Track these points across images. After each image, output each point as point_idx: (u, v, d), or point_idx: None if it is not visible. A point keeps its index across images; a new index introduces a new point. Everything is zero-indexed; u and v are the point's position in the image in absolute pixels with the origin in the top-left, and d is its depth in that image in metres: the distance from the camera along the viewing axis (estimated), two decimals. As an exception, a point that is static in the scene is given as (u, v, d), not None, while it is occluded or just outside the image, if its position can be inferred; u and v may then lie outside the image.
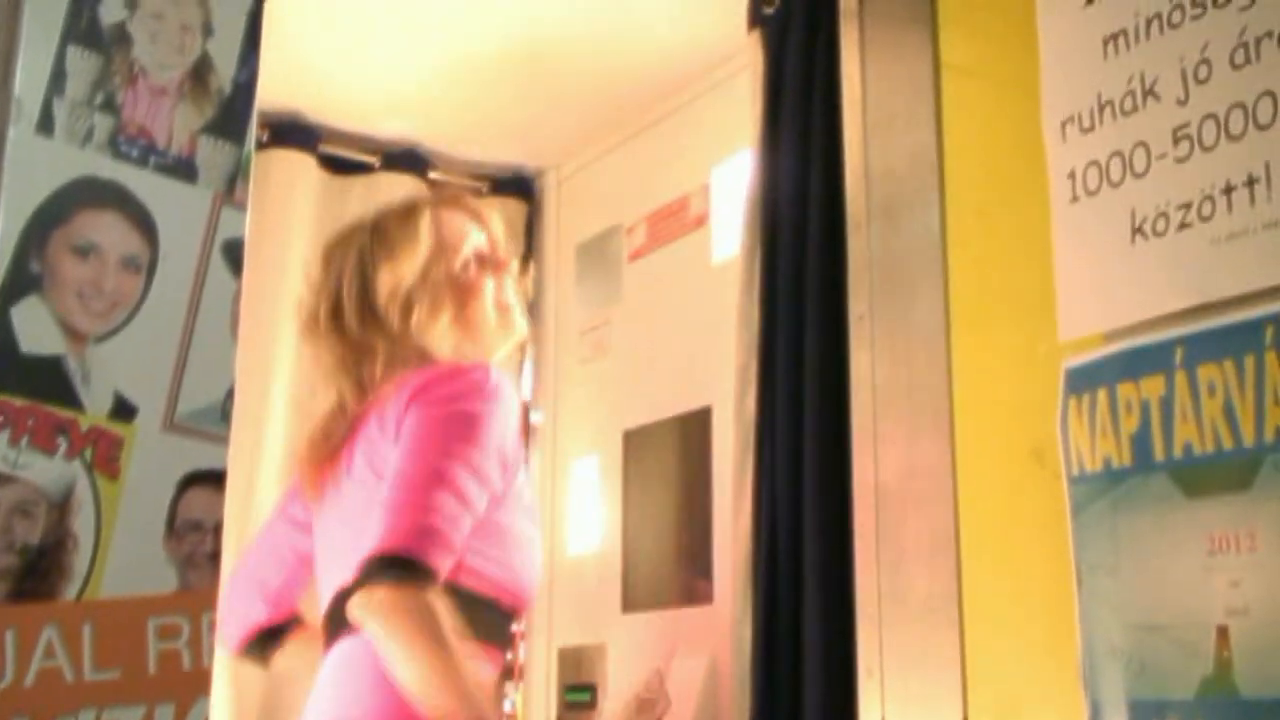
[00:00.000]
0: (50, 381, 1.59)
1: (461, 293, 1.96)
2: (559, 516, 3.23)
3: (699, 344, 2.82)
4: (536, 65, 2.95)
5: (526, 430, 3.36)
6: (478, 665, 1.79)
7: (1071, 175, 1.79)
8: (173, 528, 1.67)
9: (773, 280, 2.38)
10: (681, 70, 2.93)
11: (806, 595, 2.18)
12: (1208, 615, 1.51)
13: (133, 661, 1.60)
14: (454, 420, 1.81)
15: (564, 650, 3.09)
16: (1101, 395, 1.69)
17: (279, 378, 3.01)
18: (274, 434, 2.99)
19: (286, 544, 2.08)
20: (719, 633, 2.54)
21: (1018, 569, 1.82)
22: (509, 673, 3.20)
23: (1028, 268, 1.87)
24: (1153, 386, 1.62)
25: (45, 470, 1.58)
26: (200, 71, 1.74)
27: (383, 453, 1.85)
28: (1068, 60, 1.83)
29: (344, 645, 1.82)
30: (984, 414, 1.93)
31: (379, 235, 1.99)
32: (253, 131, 1.78)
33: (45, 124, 1.62)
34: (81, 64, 1.66)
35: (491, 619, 1.86)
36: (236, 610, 2.04)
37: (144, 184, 1.68)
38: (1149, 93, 1.70)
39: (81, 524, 1.59)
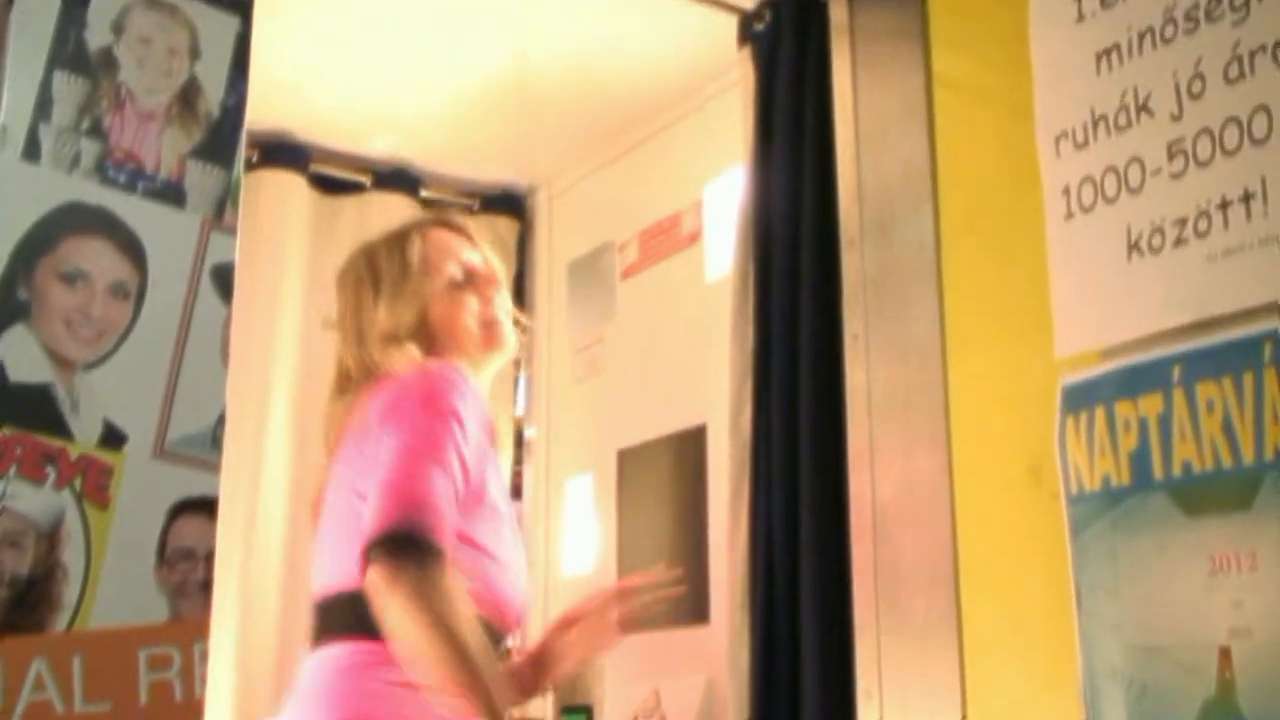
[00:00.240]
0: (38, 410, 1.58)
1: (443, 310, 1.95)
2: (553, 536, 3.22)
3: (693, 362, 2.80)
4: (527, 82, 2.94)
5: (519, 445, 3.35)
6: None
7: (1066, 191, 1.78)
8: (164, 556, 1.66)
9: (766, 297, 2.37)
10: (673, 87, 2.93)
11: (803, 615, 2.17)
12: (1209, 636, 1.50)
13: (124, 693, 1.58)
14: (429, 408, 1.78)
15: (560, 670, 3.07)
16: (1099, 413, 1.68)
17: (277, 401, 3.00)
18: (274, 459, 2.97)
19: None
20: (716, 653, 2.52)
21: (1017, 589, 1.81)
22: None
23: (1023, 284, 1.86)
24: (1151, 404, 1.61)
25: (34, 500, 1.56)
26: (188, 95, 1.73)
27: (359, 469, 1.83)
28: (1060, 75, 1.83)
29: (327, 653, 1.79)
30: (981, 432, 1.92)
31: (371, 268, 1.99)
32: (241, 155, 1.77)
33: (31, 150, 1.61)
34: (68, 89, 1.65)
35: None
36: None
37: (132, 209, 1.67)
38: (1143, 108, 1.69)
39: (71, 554, 1.58)
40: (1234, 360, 1.52)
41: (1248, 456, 1.49)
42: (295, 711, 1.75)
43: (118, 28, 1.69)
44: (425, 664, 1.62)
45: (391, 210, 3.06)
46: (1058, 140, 1.81)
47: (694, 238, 2.92)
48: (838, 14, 2.35)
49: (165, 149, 1.69)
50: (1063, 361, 1.75)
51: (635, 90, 2.96)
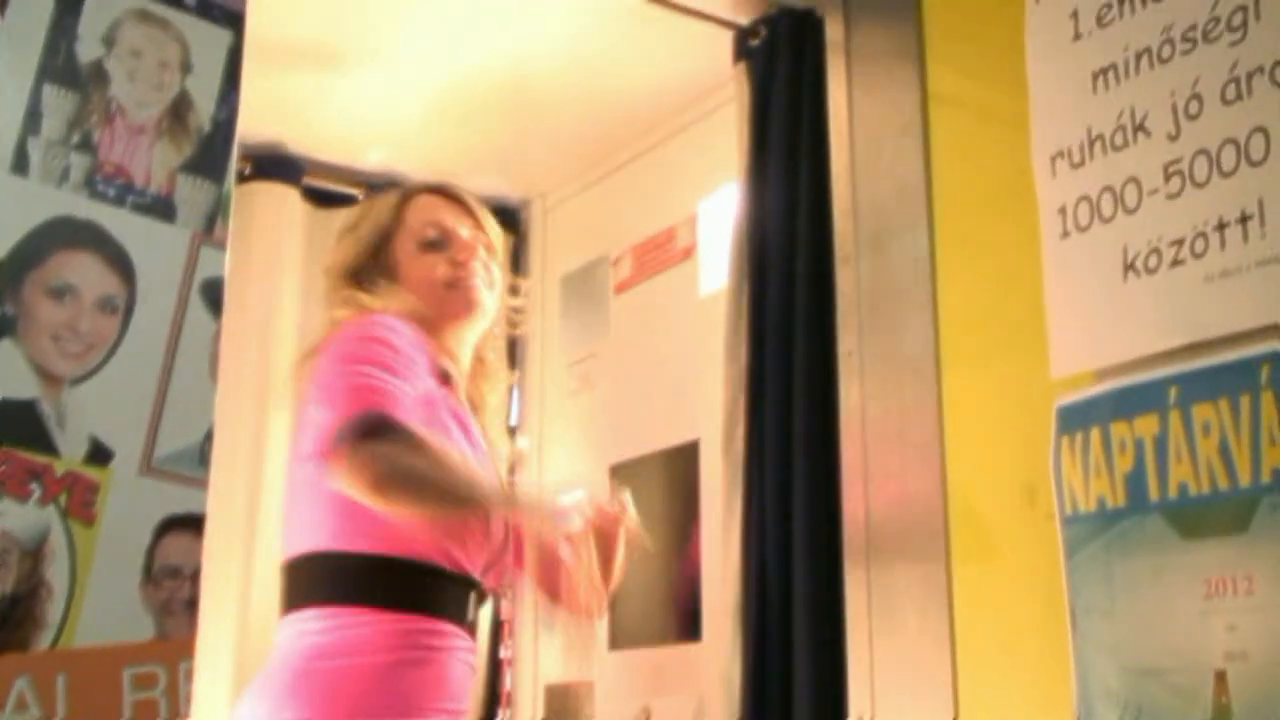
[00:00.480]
0: (24, 426, 1.56)
1: (408, 270, 1.94)
2: (545, 551, 3.20)
3: (687, 377, 2.79)
4: (521, 96, 2.93)
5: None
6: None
7: (1062, 210, 1.77)
8: (150, 574, 1.65)
9: (760, 313, 2.36)
10: (668, 102, 2.92)
11: (796, 634, 2.16)
12: (1205, 659, 1.49)
13: (108, 712, 1.57)
14: (353, 340, 1.76)
15: (551, 688, 3.06)
16: (1095, 434, 1.67)
17: (273, 416, 2.97)
18: (272, 475, 2.95)
19: None
20: (707, 671, 2.51)
21: (1011, 610, 1.80)
22: (497, 702, 3.18)
23: (1018, 303, 1.85)
24: (1147, 425, 1.60)
25: (18, 517, 1.55)
26: (179, 109, 1.72)
27: (305, 433, 1.81)
28: (1057, 94, 1.82)
29: (293, 629, 1.76)
30: (975, 451, 1.91)
31: (354, 221, 2.00)
32: (233, 169, 1.76)
33: (20, 164, 1.60)
34: (58, 103, 1.64)
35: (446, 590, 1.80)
36: None
37: (121, 223, 1.66)
38: (1140, 128, 1.68)
39: (55, 572, 1.57)
40: (1231, 382, 1.51)
41: (1244, 479, 1.48)
42: (264, 696, 1.72)
43: (109, 41, 1.67)
44: (437, 507, 1.64)
45: (384, 223, 3.04)
46: (1054, 159, 1.80)
47: (688, 253, 2.91)
48: (833, 30, 2.34)
49: (155, 163, 1.68)
50: (1058, 382, 1.74)
51: (630, 105, 2.95)
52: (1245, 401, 1.49)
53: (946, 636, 1.88)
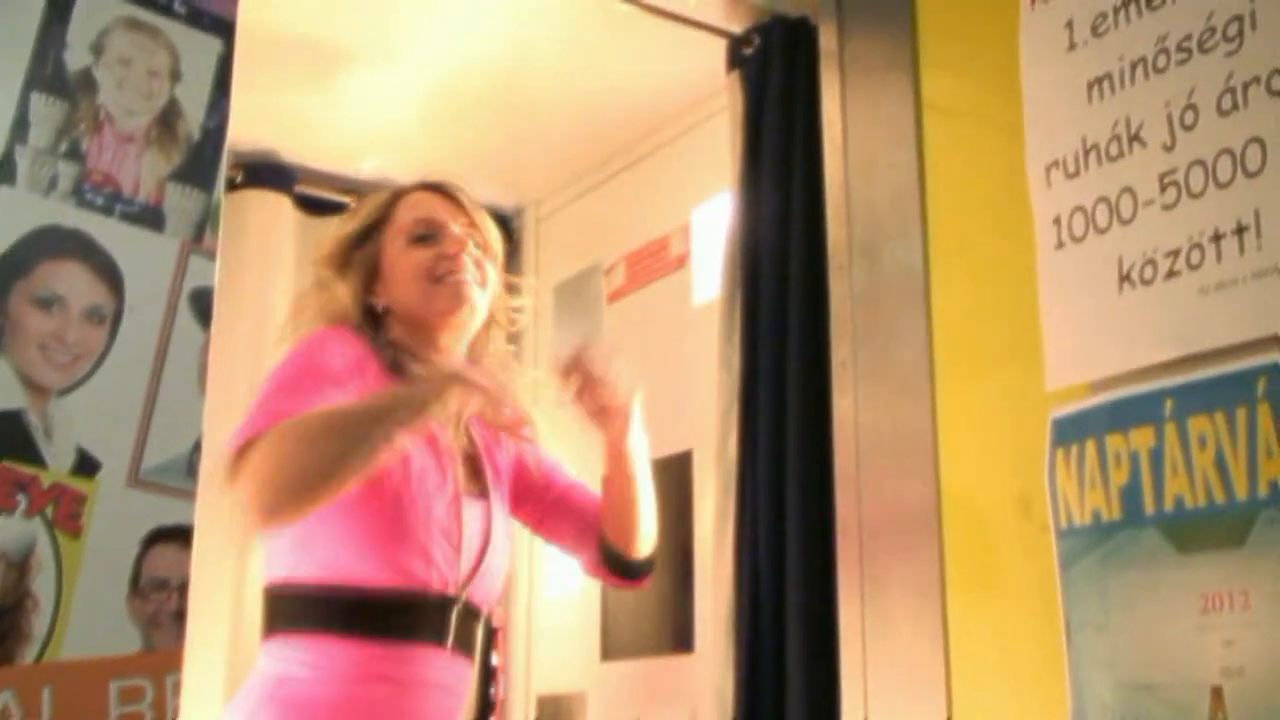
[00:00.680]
0: (10, 437, 1.55)
1: (390, 263, 1.90)
2: (536, 560, 3.19)
3: (680, 386, 2.78)
4: (514, 104, 2.92)
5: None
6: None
7: (1057, 221, 1.76)
8: (137, 586, 1.64)
9: (754, 323, 2.35)
10: (661, 110, 2.92)
11: (789, 645, 2.15)
12: (1201, 675, 1.47)
13: (94, 726, 1.55)
14: (277, 368, 1.72)
15: (543, 698, 3.05)
16: (1090, 446, 1.65)
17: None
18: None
19: None
20: (700, 682, 2.50)
21: (1005, 623, 1.79)
22: (489, 710, 3.16)
23: (1013, 313, 1.84)
24: (1142, 438, 1.59)
25: (4, 529, 1.54)
26: (168, 117, 1.71)
27: None
28: (1051, 104, 1.81)
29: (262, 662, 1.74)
30: (969, 461, 1.90)
31: (346, 219, 1.96)
32: (222, 178, 1.75)
33: (7, 173, 1.59)
34: (46, 111, 1.63)
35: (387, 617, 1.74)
36: None
37: (109, 233, 1.65)
38: (1135, 138, 1.68)
39: (41, 584, 1.55)
40: (1227, 394, 1.50)
41: (1241, 493, 1.46)
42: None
43: (97, 49, 1.66)
44: (353, 457, 1.53)
45: (377, 231, 3.03)
46: (1049, 169, 1.79)
47: (682, 261, 2.90)
48: (827, 39, 2.33)
49: (144, 172, 1.67)
50: (1053, 393, 1.73)
51: (624, 113, 2.95)
52: (1242, 414, 1.48)
53: (941, 649, 1.87)
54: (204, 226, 1.71)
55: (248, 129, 2.97)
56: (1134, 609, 1.56)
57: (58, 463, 1.59)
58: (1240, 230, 1.52)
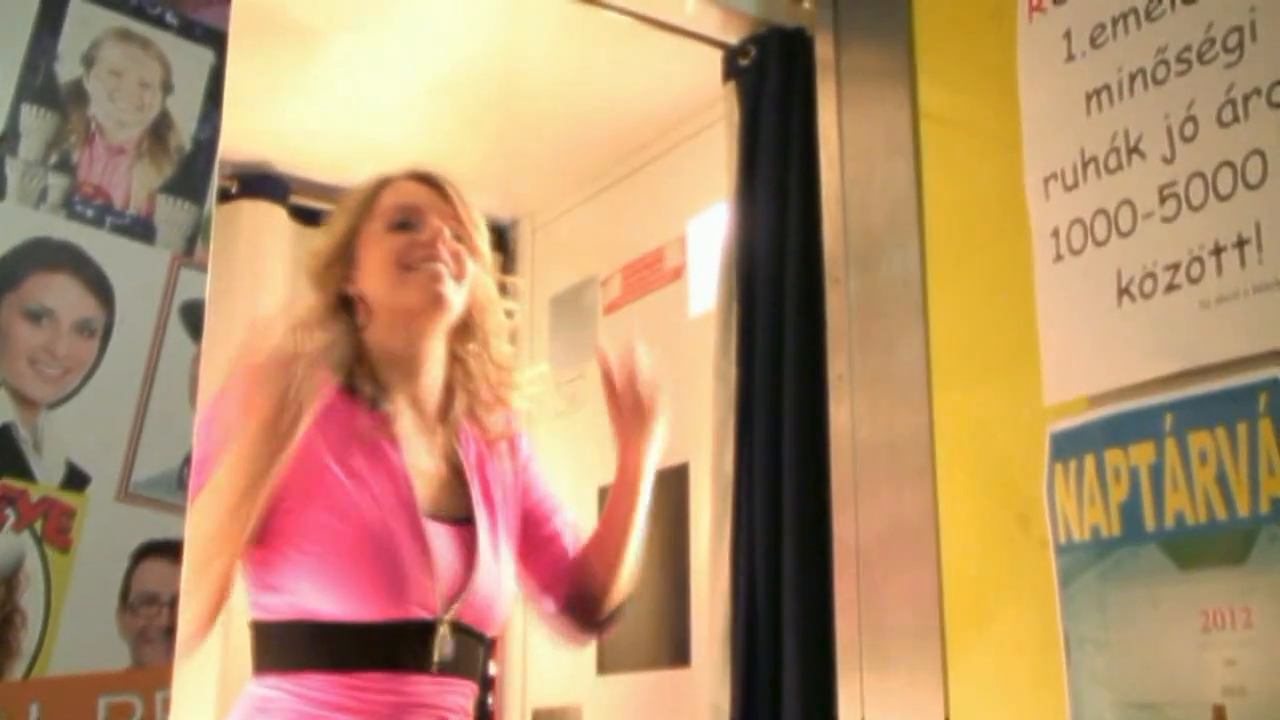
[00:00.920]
0: (-1, 451, 1.53)
1: (365, 251, 1.86)
2: (533, 573, 3.17)
3: (676, 399, 2.75)
4: (510, 115, 2.92)
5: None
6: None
7: (1055, 233, 1.75)
8: (126, 601, 1.62)
9: (750, 335, 2.34)
10: (657, 121, 2.91)
11: (786, 659, 2.13)
12: (1203, 694, 1.46)
13: (83, 744, 1.53)
14: None
15: (539, 711, 3.03)
16: (1089, 461, 1.64)
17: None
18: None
19: None
20: (696, 696, 2.48)
21: (1004, 639, 1.77)
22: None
23: (1011, 326, 1.83)
24: (1142, 453, 1.58)
25: (-8, 544, 1.52)
26: (160, 129, 1.70)
27: None
28: (1049, 116, 1.80)
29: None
30: (967, 476, 1.89)
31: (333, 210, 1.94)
32: (214, 190, 1.73)
33: (-4, 185, 1.57)
34: (36, 123, 1.62)
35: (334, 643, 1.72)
36: None
37: (100, 245, 1.63)
38: (1134, 150, 1.66)
39: (30, 599, 1.54)
40: (1228, 410, 1.48)
41: (1242, 509, 1.45)
42: None
43: (88, 60, 1.65)
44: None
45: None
46: (1047, 181, 1.78)
47: (678, 273, 2.89)
48: (823, 49, 2.33)
49: (135, 184, 1.65)
50: (1051, 408, 1.72)
51: (620, 124, 2.94)
52: (1243, 429, 1.46)
53: (939, 664, 1.85)
54: (195, 239, 1.69)
55: (242, 140, 2.97)
56: (1134, 626, 1.55)
57: (47, 476, 1.57)
58: (1241, 243, 1.51)
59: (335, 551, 1.68)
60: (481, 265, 1.92)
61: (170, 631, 1.63)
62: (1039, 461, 1.72)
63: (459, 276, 1.85)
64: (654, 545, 2.80)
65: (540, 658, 3.09)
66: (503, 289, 2.00)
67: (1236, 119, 1.54)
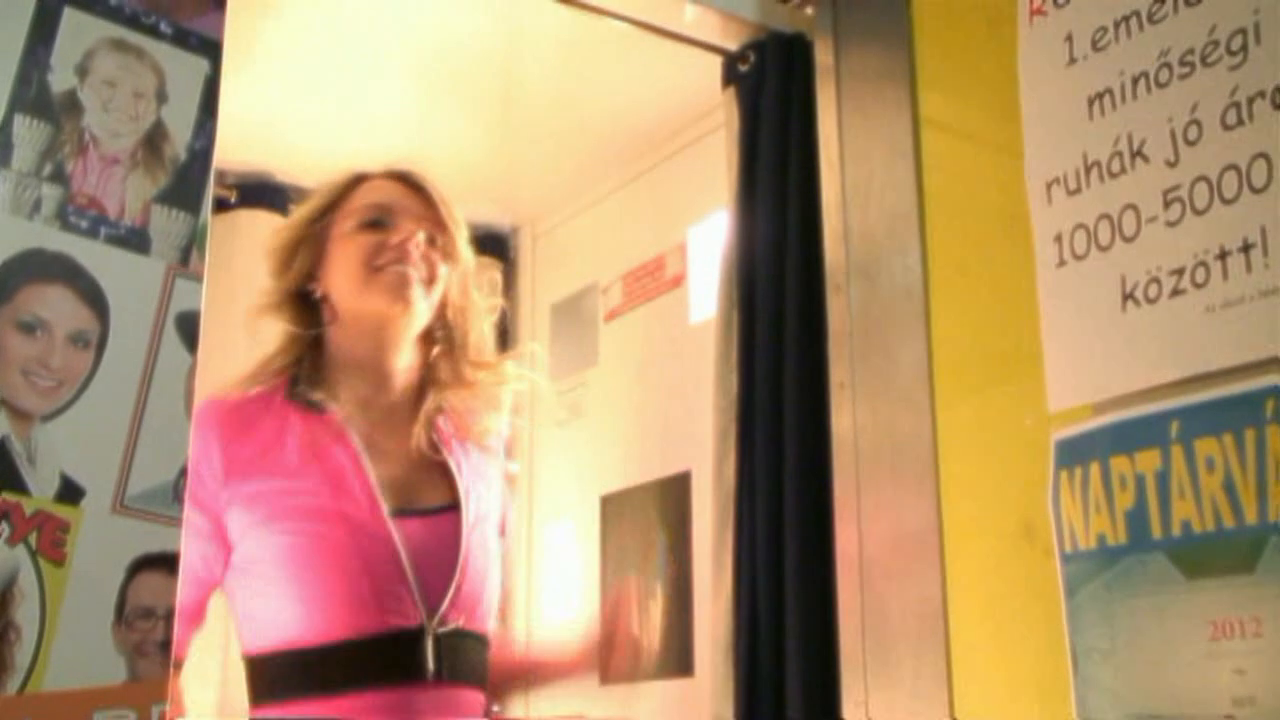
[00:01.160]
0: (-7, 465, 1.53)
1: (334, 249, 1.81)
2: (534, 582, 3.16)
3: (678, 406, 2.76)
4: (510, 122, 2.91)
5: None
6: None
7: (1058, 239, 1.74)
8: (122, 615, 1.61)
9: (750, 343, 2.32)
10: (657, 128, 2.90)
11: (789, 668, 2.12)
12: (1212, 705, 1.44)
13: (78, 760, 1.53)
14: None
15: (539, 722, 3.01)
16: (1094, 469, 1.62)
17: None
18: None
19: None
20: (700, 706, 2.47)
21: (1009, 650, 1.76)
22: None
23: (1014, 333, 1.81)
24: (1148, 461, 1.56)
25: (-14, 558, 1.51)
26: (154, 139, 1.69)
27: None
28: (1051, 120, 1.79)
29: None
30: (971, 484, 1.87)
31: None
32: (209, 200, 1.73)
33: (-11, 195, 1.57)
34: (29, 133, 1.61)
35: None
36: None
37: (94, 256, 1.63)
38: (1137, 154, 1.65)
39: (24, 613, 1.53)
40: (1235, 416, 1.47)
41: (1250, 517, 1.43)
42: None
43: (82, 70, 1.64)
44: None
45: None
46: (1049, 186, 1.77)
47: (678, 281, 2.88)
48: (823, 55, 2.31)
49: (129, 194, 1.65)
50: (1055, 415, 1.70)
51: (619, 131, 2.93)
52: (1250, 436, 1.45)
53: (943, 674, 1.84)
54: (190, 249, 1.69)
55: (242, 149, 2.96)
56: (1141, 636, 1.53)
57: (41, 489, 1.57)
58: (1247, 248, 1.49)
59: (294, 571, 1.66)
60: (459, 267, 1.87)
61: (166, 645, 1.63)
62: (1043, 469, 1.70)
63: (429, 281, 1.80)
64: (655, 554, 2.80)
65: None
66: (488, 286, 1.94)
67: (1241, 122, 1.52)
